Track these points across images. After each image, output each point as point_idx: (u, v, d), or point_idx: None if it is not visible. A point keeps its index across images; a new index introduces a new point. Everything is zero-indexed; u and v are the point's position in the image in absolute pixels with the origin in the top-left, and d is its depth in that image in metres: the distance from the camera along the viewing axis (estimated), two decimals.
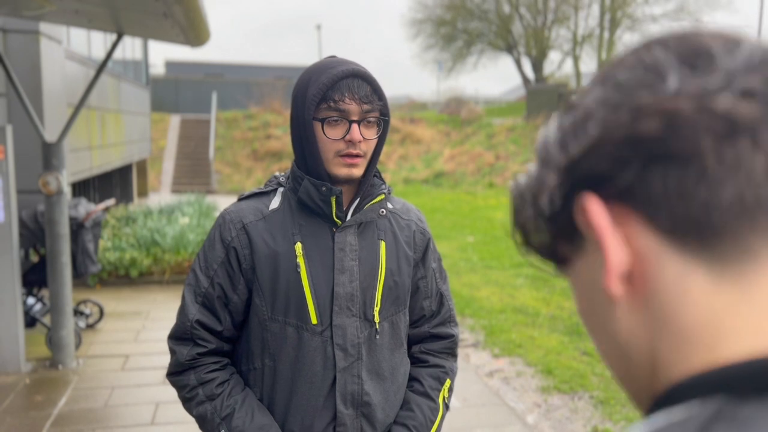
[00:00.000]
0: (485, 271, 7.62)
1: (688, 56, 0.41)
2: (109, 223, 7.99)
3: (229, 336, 1.43)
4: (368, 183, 1.42)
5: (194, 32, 4.77)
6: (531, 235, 0.46)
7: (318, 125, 1.34)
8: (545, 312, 5.98)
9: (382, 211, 1.45)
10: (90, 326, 5.37)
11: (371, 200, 1.42)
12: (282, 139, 18.51)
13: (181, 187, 15.63)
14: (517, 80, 34.06)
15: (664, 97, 0.39)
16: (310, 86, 1.34)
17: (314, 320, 1.37)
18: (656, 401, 0.40)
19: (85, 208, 5.06)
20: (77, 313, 5.22)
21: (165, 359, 4.63)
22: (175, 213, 8.76)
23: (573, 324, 5.60)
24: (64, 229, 4.57)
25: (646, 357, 0.42)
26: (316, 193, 1.36)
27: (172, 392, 4.05)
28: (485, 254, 8.51)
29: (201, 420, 1.40)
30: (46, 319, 4.93)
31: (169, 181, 16.52)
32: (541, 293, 6.63)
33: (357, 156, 1.35)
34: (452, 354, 1.59)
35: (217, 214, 9.23)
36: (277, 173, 1.52)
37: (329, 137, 1.33)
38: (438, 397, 1.51)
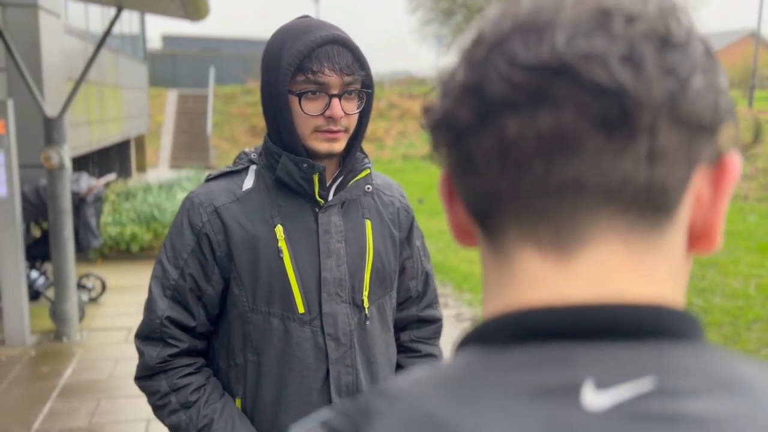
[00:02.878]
0: None
1: None
2: (108, 198, 8.02)
3: (203, 332, 1.31)
4: (352, 158, 1.31)
5: (193, 6, 4.76)
6: None
7: (294, 99, 1.21)
8: None
9: (368, 188, 1.34)
10: (92, 300, 5.44)
11: (355, 176, 1.31)
12: None
13: (179, 163, 15.61)
14: None
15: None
16: (284, 54, 1.19)
17: (301, 309, 1.27)
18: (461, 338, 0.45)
19: (87, 182, 5.09)
20: (80, 286, 5.28)
21: None
22: (174, 188, 8.77)
23: None
24: (67, 204, 4.60)
25: None
26: (297, 171, 1.24)
27: None
28: None
29: (175, 430, 1.28)
30: (50, 293, 4.99)
31: (167, 156, 16.49)
32: None
33: (338, 132, 1.23)
34: (438, 338, 1.53)
35: None
36: (246, 150, 1.38)
37: (307, 112, 1.21)
38: None
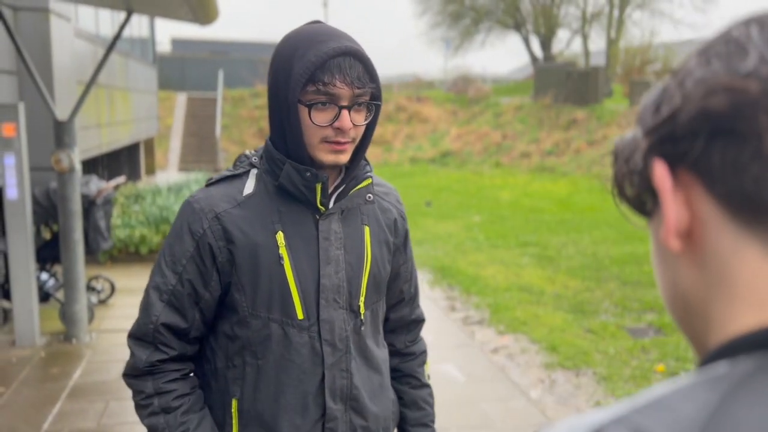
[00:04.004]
0: (491, 250, 7.67)
1: None
2: (118, 200, 8.07)
3: (196, 336, 1.32)
4: (355, 167, 1.31)
5: (203, 10, 4.79)
6: (624, 187, 0.50)
7: (303, 109, 1.20)
8: (550, 290, 6.04)
9: (369, 197, 1.34)
10: (102, 302, 5.47)
11: (357, 184, 1.32)
12: None
13: (188, 166, 15.70)
14: (525, 58, 33.72)
15: (736, 76, 0.41)
16: (295, 63, 1.19)
17: (300, 315, 1.28)
18: (708, 355, 0.44)
19: (96, 185, 5.13)
20: (89, 288, 5.31)
21: None
22: (183, 191, 8.82)
23: (577, 302, 5.66)
24: (77, 206, 4.64)
25: (702, 309, 0.46)
26: (299, 179, 1.25)
27: None
28: (491, 233, 8.56)
29: (152, 431, 1.31)
30: (60, 295, 5.03)
31: (176, 159, 16.58)
32: (546, 272, 6.69)
33: (345, 143, 1.23)
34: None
35: None
36: (247, 152, 1.37)
37: (316, 123, 1.20)
38: (426, 379, 1.56)
